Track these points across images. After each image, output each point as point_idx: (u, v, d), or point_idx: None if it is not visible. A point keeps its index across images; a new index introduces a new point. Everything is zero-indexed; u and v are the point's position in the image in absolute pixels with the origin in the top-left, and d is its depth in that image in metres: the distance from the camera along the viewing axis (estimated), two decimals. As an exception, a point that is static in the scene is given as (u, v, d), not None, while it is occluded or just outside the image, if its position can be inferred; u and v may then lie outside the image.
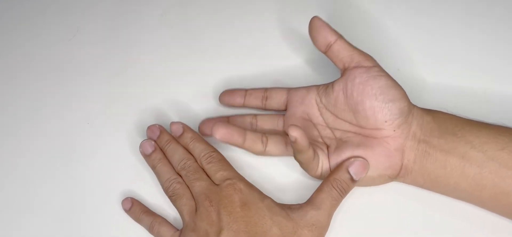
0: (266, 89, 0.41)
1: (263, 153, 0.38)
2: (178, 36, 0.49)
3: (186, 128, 0.40)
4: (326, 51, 0.36)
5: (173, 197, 0.38)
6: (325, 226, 0.35)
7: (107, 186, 0.41)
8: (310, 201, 0.35)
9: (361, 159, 0.35)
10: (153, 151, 0.40)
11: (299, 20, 0.47)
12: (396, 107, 0.34)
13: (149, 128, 0.41)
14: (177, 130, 0.40)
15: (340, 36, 0.36)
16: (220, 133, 0.35)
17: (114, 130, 0.44)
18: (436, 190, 0.35)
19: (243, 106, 0.42)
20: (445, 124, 0.34)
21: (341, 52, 0.36)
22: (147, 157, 0.40)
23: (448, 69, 0.43)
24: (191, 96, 0.45)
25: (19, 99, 0.47)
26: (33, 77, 0.48)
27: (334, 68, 0.40)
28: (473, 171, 0.33)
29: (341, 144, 0.36)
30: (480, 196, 0.34)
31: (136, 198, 0.40)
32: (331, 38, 0.36)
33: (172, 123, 0.40)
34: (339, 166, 0.36)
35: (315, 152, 0.35)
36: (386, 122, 0.34)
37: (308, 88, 0.39)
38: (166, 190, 0.38)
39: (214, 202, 0.35)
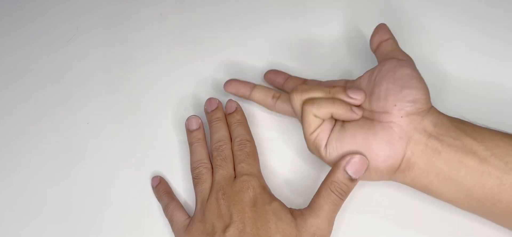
0: (305, 80, 0.42)
1: (272, 108, 0.41)
2: (178, 36, 0.49)
3: (239, 109, 0.41)
4: (376, 49, 0.37)
5: (195, 180, 0.38)
6: (326, 233, 0.34)
7: (107, 186, 0.41)
8: (309, 207, 0.34)
9: (358, 155, 0.33)
10: (196, 129, 0.41)
11: (298, 23, 0.48)
12: (410, 95, 0.32)
13: (208, 99, 0.42)
14: (231, 107, 0.41)
15: (393, 37, 0.37)
16: (227, 86, 0.42)
17: (114, 129, 0.44)
18: (442, 195, 0.33)
19: (282, 87, 0.42)
20: (463, 126, 0.32)
21: (387, 47, 0.36)
22: (189, 132, 0.41)
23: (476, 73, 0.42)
24: (191, 96, 0.45)
25: (19, 100, 0.47)
26: (32, 77, 0.48)
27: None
28: (492, 181, 0.30)
29: (346, 123, 0.35)
30: (492, 209, 0.31)
31: (134, 200, 0.40)
32: (386, 36, 0.37)
33: (230, 100, 0.42)
34: (335, 166, 0.34)
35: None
36: (395, 105, 0.32)
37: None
38: (192, 170, 0.39)
39: (226, 194, 0.35)
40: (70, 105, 0.46)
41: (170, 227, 0.38)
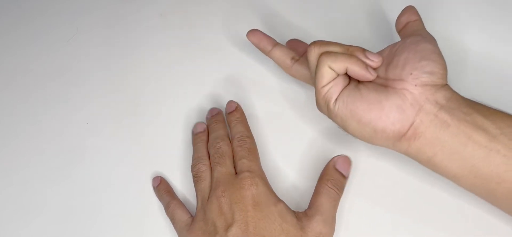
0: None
1: (289, 70, 0.40)
2: (178, 36, 0.49)
3: (239, 108, 0.42)
4: (401, 29, 0.37)
5: (195, 178, 0.39)
6: (331, 231, 0.34)
7: (107, 186, 0.41)
8: (312, 206, 0.35)
9: (342, 155, 0.37)
10: (201, 132, 0.41)
11: (302, 22, 0.48)
12: (428, 66, 0.32)
13: (211, 109, 0.43)
14: (230, 107, 0.42)
15: (421, 19, 0.37)
16: (251, 34, 0.41)
17: (114, 129, 0.44)
18: (445, 169, 0.32)
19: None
20: (475, 105, 0.32)
21: (414, 27, 0.36)
22: (194, 135, 0.42)
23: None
24: (191, 96, 0.45)
25: (19, 100, 0.47)
26: (32, 77, 0.48)
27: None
28: (499, 159, 0.30)
29: (360, 84, 0.35)
30: (495, 188, 0.31)
31: (134, 200, 0.40)
32: (414, 17, 0.37)
33: (230, 100, 0.42)
34: (326, 167, 0.37)
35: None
36: (411, 74, 0.32)
37: None
38: (192, 168, 0.39)
39: (226, 192, 0.35)
40: (70, 105, 0.46)
41: (170, 227, 0.38)
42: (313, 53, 0.35)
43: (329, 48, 0.35)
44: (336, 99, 0.34)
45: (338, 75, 0.35)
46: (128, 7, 0.51)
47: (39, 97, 0.47)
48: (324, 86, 0.35)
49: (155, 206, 0.40)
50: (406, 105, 0.32)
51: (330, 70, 0.34)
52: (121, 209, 0.40)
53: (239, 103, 0.43)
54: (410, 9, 0.38)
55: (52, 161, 0.43)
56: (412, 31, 0.36)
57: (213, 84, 0.45)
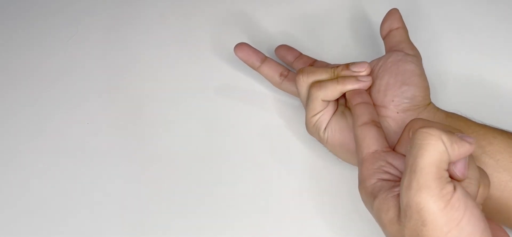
0: (315, 60, 0.41)
1: (279, 85, 0.40)
2: (178, 36, 0.49)
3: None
4: (385, 36, 0.37)
5: None
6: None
7: (107, 186, 0.41)
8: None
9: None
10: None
11: (301, 22, 0.48)
12: (409, 92, 0.33)
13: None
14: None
15: (404, 27, 0.37)
16: (238, 50, 0.40)
17: (114, 129, 0.44)
18: None
19: (292, 65, 0.42)
20: (458, 123, 0.33)
21: (396, 37, 0.36)
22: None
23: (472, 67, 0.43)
24: (191, 96, 0.45)
25: (19, 100, 0.47)
26: (32, 77, 0.48)
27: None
28: None
29: (346, 110, 0.36)
30: (483, 205, 0.30)
31: (134, 200, 0.40)
32: (396, 25, 0.37)
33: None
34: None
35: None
36: (393, 101, 0.33)
37: None
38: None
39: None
40: (70, 105, 0.46)
41: (169, 227, 0.38)
42: (302, 83, 0.36)
43: (316, 77, 0.35)
44: (325, 128, 0.35)
45: (329, 102, 0.35)
46: (129, 7, 0.51)
47: (39, 97, 0.47)
48: (314, 115, 0.36)
49: (155, 206, 0.40)
50: (390, 134, 0.33)
51: (322, 102, 0.35)
52: (121, 209, 0.40)
53: (240, 103, 0.43)
54: (392, 14, 0.37)
55: (52, 161, 0.43)
56: (395, 43, 0.36)
57: (214, 84, 0.45)
